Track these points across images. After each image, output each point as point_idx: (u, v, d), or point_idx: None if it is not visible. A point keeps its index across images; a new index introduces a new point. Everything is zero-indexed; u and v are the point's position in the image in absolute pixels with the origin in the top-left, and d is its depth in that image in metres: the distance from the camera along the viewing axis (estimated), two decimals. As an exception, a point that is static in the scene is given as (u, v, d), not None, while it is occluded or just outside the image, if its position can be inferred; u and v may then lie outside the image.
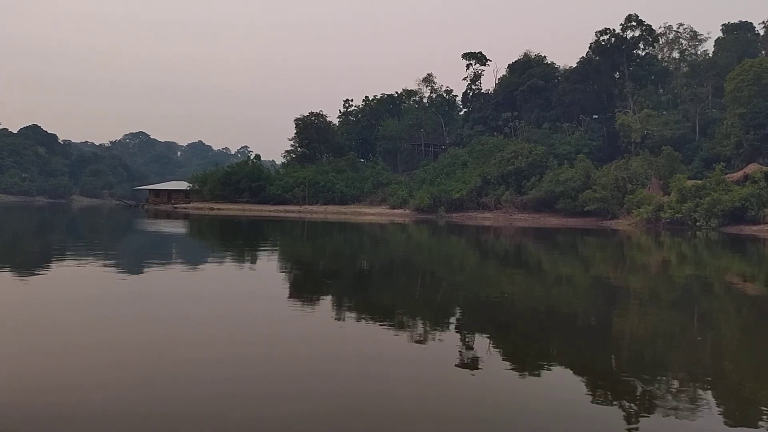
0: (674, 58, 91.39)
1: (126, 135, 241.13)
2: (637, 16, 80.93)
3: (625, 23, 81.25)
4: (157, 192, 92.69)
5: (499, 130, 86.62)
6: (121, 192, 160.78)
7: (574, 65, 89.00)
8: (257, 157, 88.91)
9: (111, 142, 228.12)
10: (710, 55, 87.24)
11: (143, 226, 42.55)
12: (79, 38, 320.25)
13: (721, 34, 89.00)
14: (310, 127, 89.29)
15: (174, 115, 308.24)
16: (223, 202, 76.77)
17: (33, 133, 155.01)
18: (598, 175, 58.36)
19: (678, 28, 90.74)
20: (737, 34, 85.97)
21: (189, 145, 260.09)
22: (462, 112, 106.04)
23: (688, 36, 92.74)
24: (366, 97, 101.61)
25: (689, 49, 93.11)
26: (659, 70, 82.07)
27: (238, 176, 78.49)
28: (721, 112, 70.61)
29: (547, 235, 41.41)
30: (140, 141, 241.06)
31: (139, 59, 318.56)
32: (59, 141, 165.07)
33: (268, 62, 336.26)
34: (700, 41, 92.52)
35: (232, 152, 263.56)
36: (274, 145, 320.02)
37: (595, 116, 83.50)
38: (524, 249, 30.86)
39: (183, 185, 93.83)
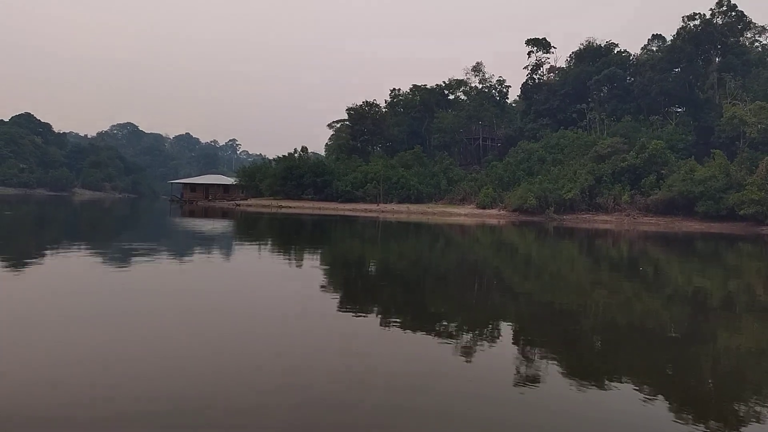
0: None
1: (113, 126, 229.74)
2: (729, 1, 74.68)
3: (715, 8, 74.99)
4: (193, 186, 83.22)
5: (571, 123, 79.55)
6: (123, 185, 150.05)
7: (637, 52, 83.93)
8: (304, 149, 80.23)
9: (98, 133, 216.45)
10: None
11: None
12: (64, 13, 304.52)
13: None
14: (365, 119, 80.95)
15: (159, 105, 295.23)
16: (283, 199, 68.20)
17: (26, 121, 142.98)
18: (740, 174, 51.64)
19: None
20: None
21: (176, 137, 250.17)
22: (510, 102, 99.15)
23: (752, 27, 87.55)
24: (414, 85, 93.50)
25: (757, 40, 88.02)
26: (753, 59, 75.60)
27: (301, 170, 69.60)
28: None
29: (691, 242, 35.19)
30: (128, 132, 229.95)
31: (125, 43, 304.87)
32: (53, 131, 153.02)
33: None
34: (764, 32, 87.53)
35: (221, 144, 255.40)
36: (266, 139, 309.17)
37: (680, 108, 77.15)
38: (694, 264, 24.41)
39: (220, 179, 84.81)
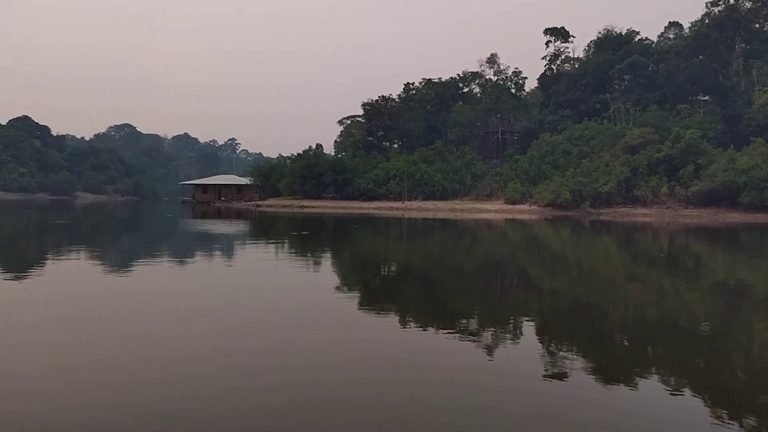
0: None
1: (111, 127, 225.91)
2: (753, -15, 72.71)
3: (739, -7, 73.01)
4: (205, 187, 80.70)
5: (594, 114, 77.39)
6: (125, 187, 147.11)
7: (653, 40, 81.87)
8: (319, 146, 77.89)
9: (95, 135, 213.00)
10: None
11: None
12: (56, 29, 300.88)
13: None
14: (381, 114, 78.59)
15: (157, 106, 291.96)
16: (302, 198, 65.87)
17: (24, 124, 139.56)
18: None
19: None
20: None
21: (174, 137, 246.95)
22: (523, 94, 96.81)
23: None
24: (428, 79, 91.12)
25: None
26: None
27: (321, 169, 67.23)
28: None
29: (736, 234, 33.22)
30: (126, 133, 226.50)
31: (120, 49, 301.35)
32: (52, 134, 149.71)
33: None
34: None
35: (220, 143, 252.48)
36: (262, 138, 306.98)
37: (705, 97, 75.12)
38: None
39: (232, 179, 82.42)
